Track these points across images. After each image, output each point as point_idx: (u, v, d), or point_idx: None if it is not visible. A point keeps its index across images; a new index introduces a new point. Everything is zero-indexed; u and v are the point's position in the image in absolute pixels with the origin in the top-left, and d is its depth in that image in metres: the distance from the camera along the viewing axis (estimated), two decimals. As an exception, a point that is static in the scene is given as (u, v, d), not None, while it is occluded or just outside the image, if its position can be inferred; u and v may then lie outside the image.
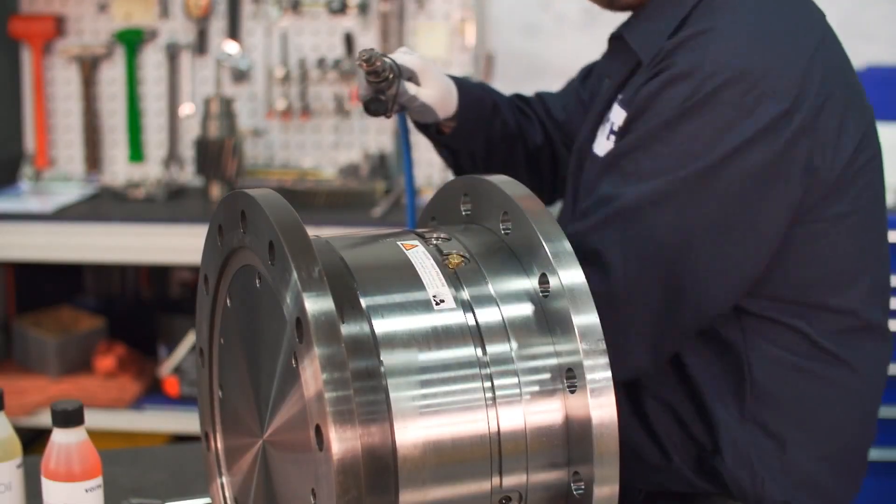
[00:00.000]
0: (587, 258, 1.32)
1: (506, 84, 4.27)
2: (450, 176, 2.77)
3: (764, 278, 1.43)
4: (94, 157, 3.72)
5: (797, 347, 1.47)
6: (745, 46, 1.39)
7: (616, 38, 1.60)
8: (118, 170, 3.75)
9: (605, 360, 1.09)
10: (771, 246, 1.41)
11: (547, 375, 1.11)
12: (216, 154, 3.41)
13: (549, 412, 1.11)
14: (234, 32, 3.63)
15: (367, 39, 3.60)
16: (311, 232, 1.10)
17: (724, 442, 1.48)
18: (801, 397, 1.49)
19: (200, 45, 3.66)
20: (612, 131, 1.52)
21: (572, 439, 1.11)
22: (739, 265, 1.41)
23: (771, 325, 1.46)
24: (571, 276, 1.12)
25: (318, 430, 0.99)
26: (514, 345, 1.12)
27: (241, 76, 3.64)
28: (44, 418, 3.23)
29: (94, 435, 1.49)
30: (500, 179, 1.24)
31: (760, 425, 1.48)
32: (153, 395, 3.48)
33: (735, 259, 1.40)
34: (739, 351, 1.47)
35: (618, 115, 1.50)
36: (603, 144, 1.54)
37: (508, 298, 1.15)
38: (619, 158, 1.42)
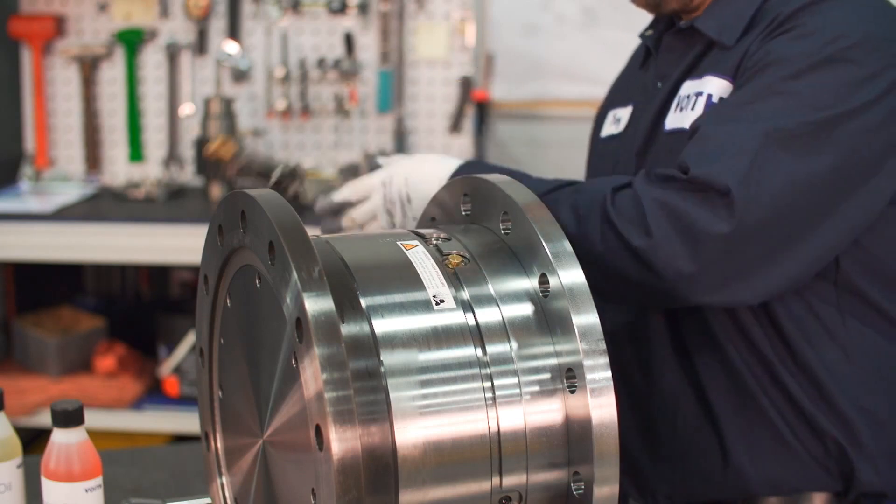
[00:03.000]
0: (704, 191, 1.34)
1: (506, 84, 4.28)
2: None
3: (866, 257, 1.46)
4: (94, 157, 3.72)
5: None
6: (870, 15, 1.44)
7: (676, 33, 1.61)
8: (118, 170, 3.75)
9: (605, 359, 1.09)
10: (878, 205, 1.43)
11: (547, 375, 1.11)
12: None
13: (549, 412, 1.11)
14: (234, 32, 3.63)
15: (367, 39, 3.60)
16: (311, 232, 1.10)
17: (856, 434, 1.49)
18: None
19: (200, 45, 3.66)
20: (684, 105, 1.54)
21: (572, 439, 1.11)
22: (849, 217, 1.42)
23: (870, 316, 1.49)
24: (571, 276, 1.12)
25: (318, 430, 0.99)
26: (514, 345, 1.12)
27: (241, 76, 3.64)
28: (44, 418, 3.24)
29: (94, 435, 1.49)
30: (499, 179, 1.24)
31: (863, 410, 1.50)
32: (153, 395, 3.49)
33: (846, 211, 1.41)
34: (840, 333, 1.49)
35: (703, 85, 1.51)
36: (675, 117, 1.55)
37: (508, 298, 1.15)
38: (738, 107, 1.41)
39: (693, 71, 1.56)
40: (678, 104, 1.54)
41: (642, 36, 1.71)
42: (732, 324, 1.49)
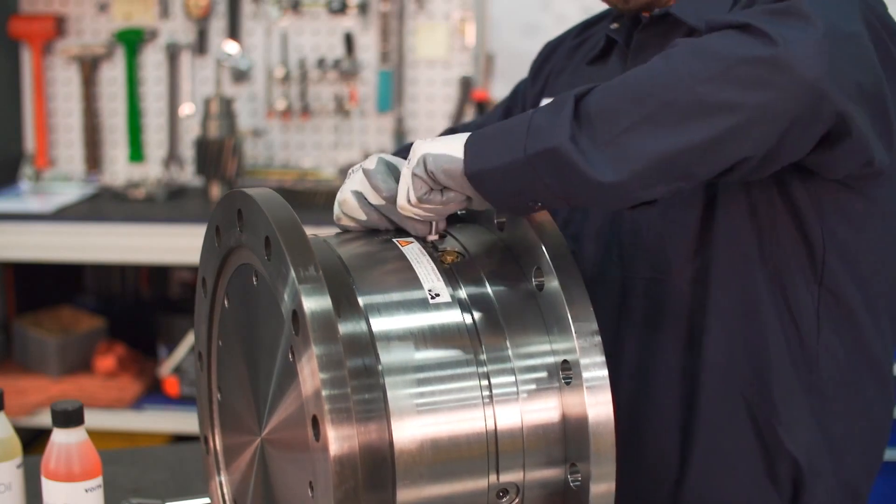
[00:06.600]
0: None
1: (506, 84, 4.28)
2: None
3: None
4: (94, 157, 3.72)
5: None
6: None
7: (648, 26, 1.49)
8: (118, 170, 3.75)
9: (601, 357, 1.09)
10: None
11: (543, 373, 1.11)
12: (216, 154, 3.41)
13: (545, 410, 1.11)
14: (234, 32, 3.63)
15: (367, 39, 3.61)
16: (311, 232, 1.10)
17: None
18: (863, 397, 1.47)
19: (200, 45, 3.66)
20: None
21: (569, 437, 1.11)
22: None
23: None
24: (568, 273, 1.12)
25: (314, 421, 1.00)
26: (511, 343, 1.12)
27: (241, 76, 3.64)
28: (44, 418, 3.24)
29: (94, 435, 1.49)
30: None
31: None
32: (153, 395, 3.48)
33: None
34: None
35: None
36: None
37: (505, 296, 1.15)
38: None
39: None
40: None
41: (608, 31, 1.56)
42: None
